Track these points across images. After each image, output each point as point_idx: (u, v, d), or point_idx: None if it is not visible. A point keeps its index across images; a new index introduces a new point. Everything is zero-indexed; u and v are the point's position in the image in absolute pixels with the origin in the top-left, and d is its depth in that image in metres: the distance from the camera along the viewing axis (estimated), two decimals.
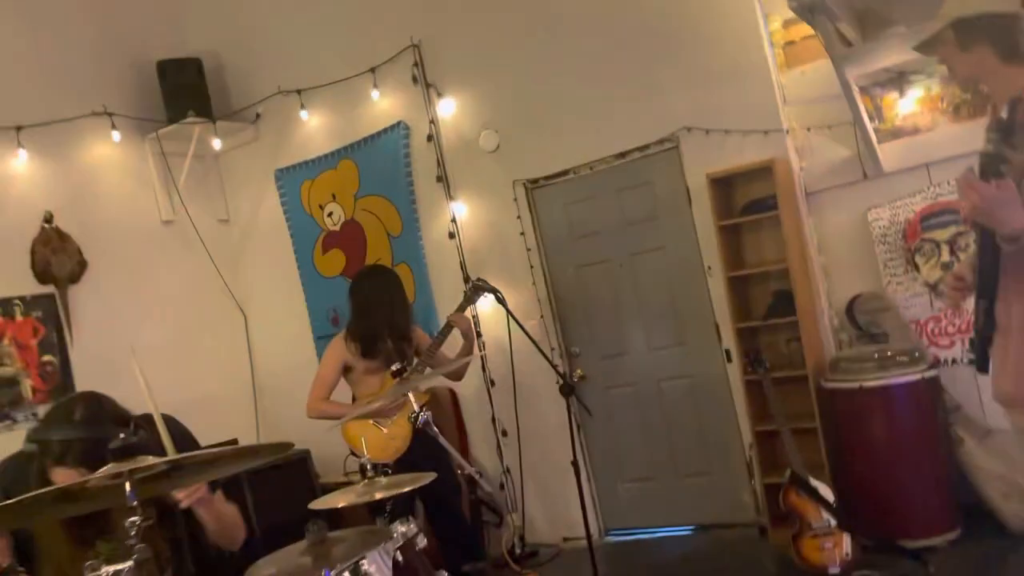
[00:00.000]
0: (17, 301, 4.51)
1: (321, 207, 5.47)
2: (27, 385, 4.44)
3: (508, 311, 3.71)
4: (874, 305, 3.98)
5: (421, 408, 2.71)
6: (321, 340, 5.53)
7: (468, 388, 4.86)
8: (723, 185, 4.08)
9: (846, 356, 3.75)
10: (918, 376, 3.53)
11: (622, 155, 4.46)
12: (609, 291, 4.62)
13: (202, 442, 4.81)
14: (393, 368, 2.66)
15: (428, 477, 2.32)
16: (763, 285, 4.10)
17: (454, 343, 3.95)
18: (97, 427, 2.02)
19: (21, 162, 4.67)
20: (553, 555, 4.60)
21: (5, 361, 4.38)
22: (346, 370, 3.72)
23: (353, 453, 3.71)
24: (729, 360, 4.20)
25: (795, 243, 3.91)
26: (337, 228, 5.44)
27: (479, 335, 4.71)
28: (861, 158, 4.04)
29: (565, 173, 4.65)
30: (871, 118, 4.00)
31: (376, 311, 3.68)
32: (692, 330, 4.39)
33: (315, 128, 5.41)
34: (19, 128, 4.62)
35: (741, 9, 4.09)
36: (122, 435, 1.82)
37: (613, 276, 4.59)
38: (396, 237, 5.21)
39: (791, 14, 4.01)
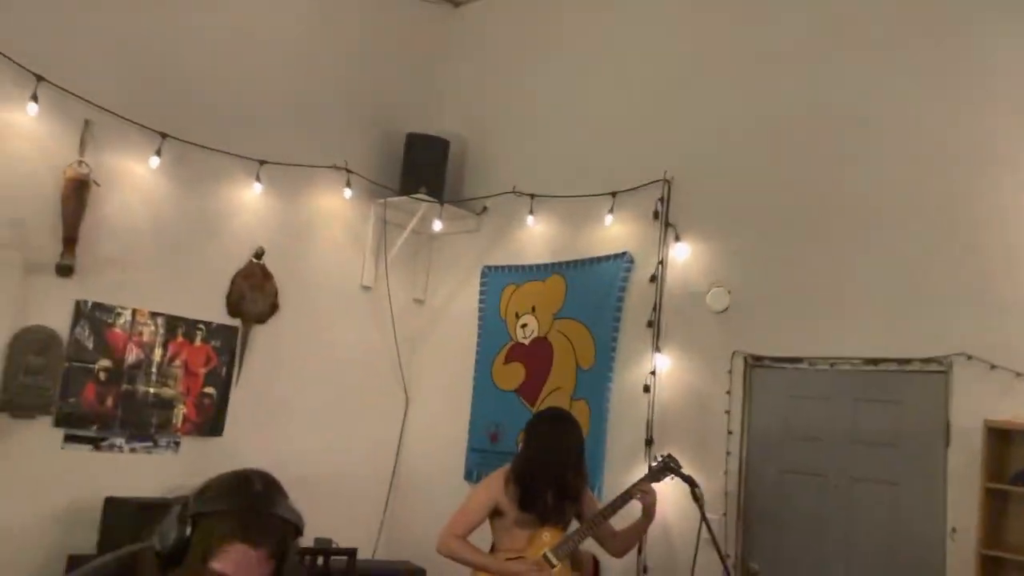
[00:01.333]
0: (202, 325, 4.46)
1: (517, 316, 5.14)
2: (180, 412, 4.32)
3: (703, 513, 3.08)
4: None
5: None
6: (474, 453, 5.12)
7: (613, 564, 4.20)
8: (1001, 437, 3.27)
9: None
10: None
11: (873, 361, 3.77)
12: (814, 511, 3.85)
13: (319, 530, 4.43)
14: None
15: None
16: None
17: (622, 517, 3.37)
18: (281, 504, 1.59)
19: (254, 194, 4.73)
20: None
21: (169, 383, 4.30)
22: (495, 513, 3.23)
23: None
24: None
25: None
26: (526, 342, 5.07)
27: None
28: None
29: (798, 360, 4.01)
30: None
31: (548, 462, 3.20)
32: None
33: (537, 235, 5.15)
34: (262, 162, 4.70)
35: None
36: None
37: (824, 496, 3.83)
38: (584, 370, 4.74)
39: None
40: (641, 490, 3.19)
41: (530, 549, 3.21)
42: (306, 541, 4.22)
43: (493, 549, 3.31)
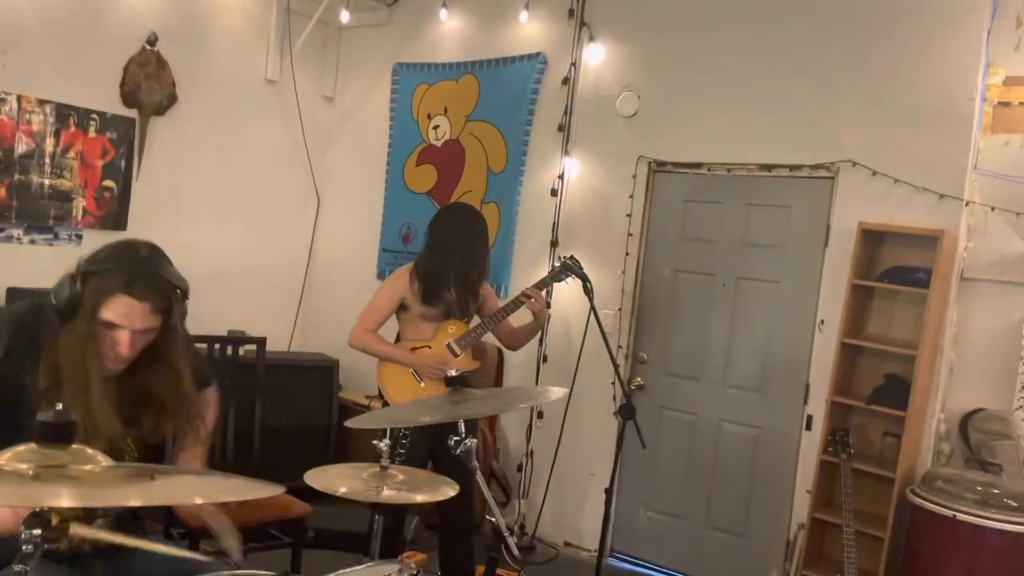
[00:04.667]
0: (95, 115, 4.25)
1: (429, 117, 5.07)
2: (79, 205, 4.21)
3: (592, 305, 3.28)
4: (995, 427, 3.44)
5: (466, 436, 2.25)
6: (386, 253, 5.22)
7: (515, 355, 4.48)
8: (872, 239, 3.54)
9: (946, 476, 3.25)
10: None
11: (767, 167, 3.94)
12: (701, 308, 4.15)
13: (233, 323, 4.53)
14: (450, 374, 2.25)
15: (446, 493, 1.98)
16: (876, 363, 3.59)
17: (521, 314, 3.56)
18: (164, 268, 1.77)
19: None
20: (550, 557, 4.27)
21: (65, 174, 4.15)
22: (401, 307, 3.36)
23: (381, 396, 3.38)
24: (808, 428, 3.74)
25: (933, 330, 3.38)
26: (438, 144, 5.04)
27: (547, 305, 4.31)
28: None
29: (698, 166, 4.15)
30: None
31: (451, 256, 3.29)
32: (778, 381, 3.91)
33: (450, 32, 4.98)
34: None
35: (962, 47, 3.48)
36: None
37: (711, 294, 4.12)
38: (496, 174, 4.79)
39: (1017, 71, 3.43)
40: (528, 295, 3.34)
41: (435, 340, 3.38)
42: (220, 332, 4.36)
43: (399, 339, 3.48)
